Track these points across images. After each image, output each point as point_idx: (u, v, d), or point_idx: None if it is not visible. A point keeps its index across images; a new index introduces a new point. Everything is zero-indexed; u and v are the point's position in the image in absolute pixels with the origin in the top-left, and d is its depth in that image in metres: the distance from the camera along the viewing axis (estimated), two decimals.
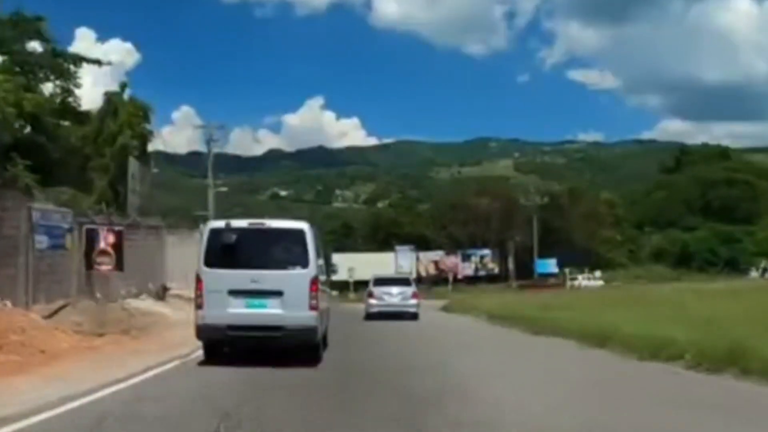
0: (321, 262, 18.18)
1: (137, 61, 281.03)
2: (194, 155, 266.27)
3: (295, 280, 16.01)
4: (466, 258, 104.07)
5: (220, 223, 17.03)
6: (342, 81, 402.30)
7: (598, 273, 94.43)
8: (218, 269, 16.06)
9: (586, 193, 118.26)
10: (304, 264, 16.18)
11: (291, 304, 15.86)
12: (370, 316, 36.21)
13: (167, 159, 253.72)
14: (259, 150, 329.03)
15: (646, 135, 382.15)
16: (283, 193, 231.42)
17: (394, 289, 37.35)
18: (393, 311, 35.51)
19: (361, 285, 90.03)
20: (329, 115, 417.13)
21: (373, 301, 36.93)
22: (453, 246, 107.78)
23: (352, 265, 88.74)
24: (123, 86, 50.43)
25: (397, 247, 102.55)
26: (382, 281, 39.49)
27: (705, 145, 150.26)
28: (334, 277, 70.03)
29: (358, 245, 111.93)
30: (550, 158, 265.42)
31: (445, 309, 48.35)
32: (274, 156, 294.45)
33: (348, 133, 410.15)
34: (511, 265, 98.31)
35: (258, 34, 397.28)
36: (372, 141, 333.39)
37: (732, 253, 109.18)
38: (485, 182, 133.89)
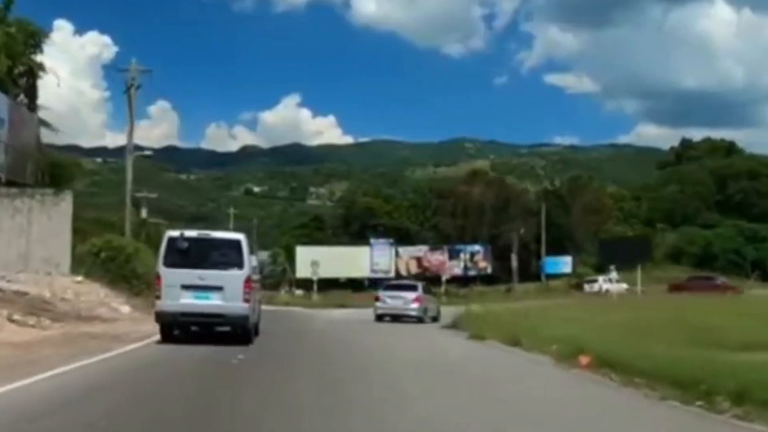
0: (255, 265, 23.24)
1: (114, 54, 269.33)
2: (169, 149, 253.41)
3: (232, 278, 19.26)
4: (454, 255, 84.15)
5: (175, 233, 20.10)
6: (319, 79, 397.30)
7: (614, 274, 75.44)
8: (173, 269, 19.25)
9: (589, 185, 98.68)
10: (240, 266, 19.37)
11: (229, 297, 19.10)
12: (379, 318, 37.06)
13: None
14: (234, 146, 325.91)
15: (622, 139, 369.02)
16: (256, 189, 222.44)
17: (398, 294, 38.39)
18: (395, 314, 36.68)
19: (331, 285, 74.16)
20: (305, 113, 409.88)
21: (378, 303, 37.89)
22: (438, 240, 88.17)
23: (317, 258, 69.50)
24: (8, 3, 37.98)
25: (373, 241, 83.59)
26: (391, 287, 41.57)
27: (708, 139, 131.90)
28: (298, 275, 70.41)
29: (328, 238, 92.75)
30: (527, 160, 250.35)
31: (456, 326, 28.95)
32: (249, 152, 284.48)
33: (324, 131, 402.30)
34: (514, 263, 78.86)
35: (236, 29, 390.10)
36: (348, 140, 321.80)
37: (759, 254, 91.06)
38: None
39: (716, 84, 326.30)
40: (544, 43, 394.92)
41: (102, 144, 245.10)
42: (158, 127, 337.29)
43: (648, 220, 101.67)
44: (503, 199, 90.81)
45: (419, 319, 35.86)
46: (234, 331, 19.69)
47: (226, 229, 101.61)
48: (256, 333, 21.18)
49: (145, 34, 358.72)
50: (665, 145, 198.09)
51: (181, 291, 19.00)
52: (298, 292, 72.81)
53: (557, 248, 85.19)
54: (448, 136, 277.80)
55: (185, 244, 19.34)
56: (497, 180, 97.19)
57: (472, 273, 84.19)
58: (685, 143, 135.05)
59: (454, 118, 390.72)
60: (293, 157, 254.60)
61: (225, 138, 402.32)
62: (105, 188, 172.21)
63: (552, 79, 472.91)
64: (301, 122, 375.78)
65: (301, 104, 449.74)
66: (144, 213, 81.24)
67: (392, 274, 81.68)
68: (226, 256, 19.57)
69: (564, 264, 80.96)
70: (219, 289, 19.05)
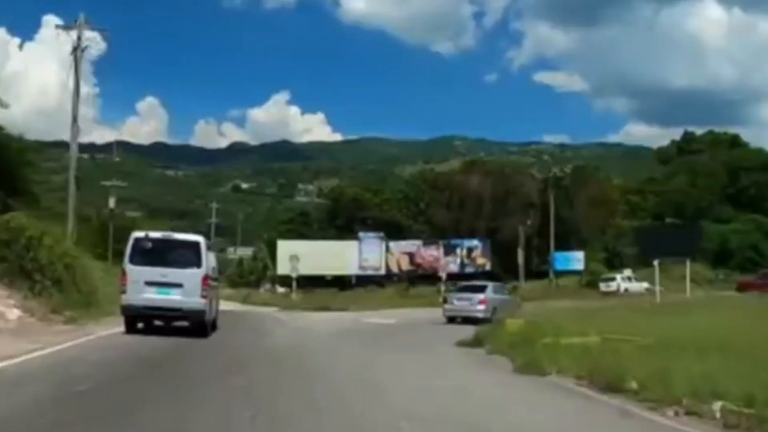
0: (213, 264, 24.00)
1: (103, 49, 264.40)
2: (158, 145, 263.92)
3: (191, 276, 20.83)
4: (449, 250, 74.93)
5: (141, 234, 21.83)
6: (308, 76, 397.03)
7: (628, 272, 67.09)
8: (138, 266, 20.73)
9: (594, 176, 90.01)
10: (198, 265, 21.06)
11: (188, 293, 20.61)
12: (450, 320, 34.78)
13: (130, 149, 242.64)
14: (223, 143, 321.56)
15: (611, 138, 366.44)
16: (244, 185, 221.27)
17: (466, 295, 37.12)
18: (464, 316, 34.41)
19: (316, 283, 68.58)
20: (294, 110, 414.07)
21: (447, 306, 36.85)
22: (433, 235, 79.57)
23: (298, 252, 61.29)
24: None
25: (362, 235, 74.88)
26: (462, 288, 40.04)
27: (710, 132, 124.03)
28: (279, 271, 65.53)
29: (313, 232, 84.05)
30: (516, 159, 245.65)
31: (483, 345, 20.41)
32: (237, 149, 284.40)
33: (313, 128, 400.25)
34: (520, 258, 70.39)
35: (226, 26, 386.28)
36: (337, 137, 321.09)
37: None
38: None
39: (706, 83, 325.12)
40: (534, 41, 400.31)
41: (90, 140, 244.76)
42: (147, 124, 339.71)
43: (657, 214, 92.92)
44: (503, 190, 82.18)
45: (487, 321, 32.86)
46: (192, 325, 21.30)
47: (209, 224, 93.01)
48: (214, 328, 22.88)
49: (135, 30, 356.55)
50: (655, 144, 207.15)
51: (145, 287, 20.53)
52: (281, 290, 63.96)
53: (561, 243, 76.75)
54: (437, 134, 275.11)
55: (149, 244, 21.22)
56: (496, 170, 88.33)
57: (469, 270, 75.34)
58: (687, 136, 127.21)
59: (443, 116, 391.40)
60: (282, 154, 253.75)
61: (214, 135, 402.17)
62: (89, 183, 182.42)
63: (542, 77, 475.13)
64: (290, 119, 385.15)
65: (291, 101, 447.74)
66: (112, 203, 72.06)
67: (383, 271, 73.58)
68: (186, 256, 21.25)
69: (576, 260, 72.56)
70: (179, 285, 20.66)
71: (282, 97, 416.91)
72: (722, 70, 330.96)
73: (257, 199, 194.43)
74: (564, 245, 77.65)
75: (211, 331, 21.83)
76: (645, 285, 64.69)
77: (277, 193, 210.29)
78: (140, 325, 21.37)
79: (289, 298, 56.40)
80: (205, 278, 21.10)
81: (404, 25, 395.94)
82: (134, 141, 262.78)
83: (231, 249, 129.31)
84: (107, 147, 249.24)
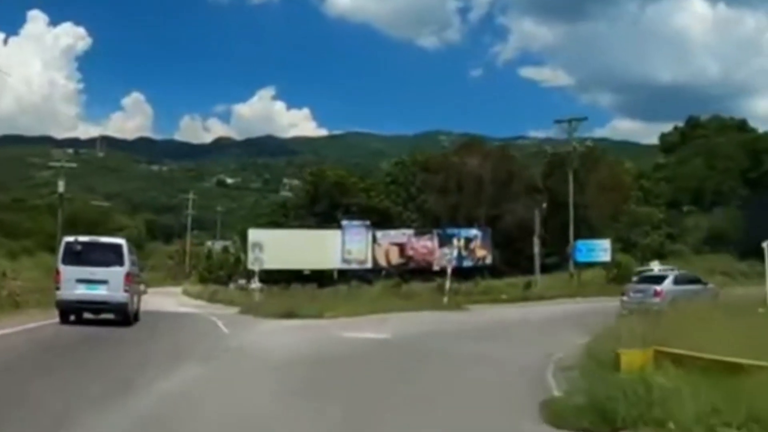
0: (135, 264, 26.71)
1: (89, 45, 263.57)
2: (143, 141, 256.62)
3: (115, 274, 23.74)
4: (445, 240, 63.68)
5: (71, 238, 24.92)
6: (294, 71, 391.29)
7: (656, 264, 56.51)
8: (70, 266, 23.70)
9: (604, 158, 78.90)
10: (121, 264, 24.02)
11: (113, 289, 23.54)
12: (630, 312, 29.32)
13: (116, 144, 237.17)
14: (208, 138, 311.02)
15: (597, 133, 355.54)
16: (229, 180, 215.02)
17: (642, 287, 36.30)
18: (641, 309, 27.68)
19: (294, 277, 59.16)
20: (280, 105, 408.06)
21: (624, 298, 35.32)
22: (426, 223, 68.78)
23: (265, 241, 51.45)
24: None
25: (345, 223, 63.75)
26: (641, 279, 40.20)
27: (717, 117, 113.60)
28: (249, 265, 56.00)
29: (290, 221, 73.25)
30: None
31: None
32: (222, 144, 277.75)
33: (298, 123, 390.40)
34: (536, 248, 59.69)
35: (211, 21, 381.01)
36: (322, 132, 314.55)
37: None
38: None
39: (691, 78, 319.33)
40: (519, 36, 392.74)
41: (75, 135, 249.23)
42: (132, 119, 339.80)
43: (672, 201, 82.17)
44: (505, 171, 71.30)
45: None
46: (116, 316, 24.03)
47: (186, 216, 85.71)
48: (137, 319, 25.55)
49: (119, 25, 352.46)
50: (641, 139, 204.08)
51: (76, 284, 23.52)
52: (256, 285, 52.79)
53: (566, 234, 66.15)
54: (422, 129, 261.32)
55: (79, 247, 24.25)
56: (498, 149, 77.08)
57: (467, 263, 64.45)
58: (692, 121, 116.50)
59: (428, 111, 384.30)
60: (267, 149, 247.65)
61: (199, 130, 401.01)
62: (75, 178, 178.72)
63: (527, 72, 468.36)
64: (275, 114, 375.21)
65: (276, 97, 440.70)
66: (61, 187, 62.87)
67: (369, 265, 62.71)
68: (111, 256, 24.21)
69: (601, 250, 61.03)
70: (105, 282, 23.64)
71: (267, 92, 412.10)
72: (707, 65, 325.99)
73: (242, 194, 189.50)
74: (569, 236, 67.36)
75: (133, 321, 24.50)
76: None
77: (262, 188, 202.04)
78: (72, 317, 24.14)
79: (254, 296, 45.30)
80: (128, 275, 24.09)
81: (389, 19, 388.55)
82: (119, 136, 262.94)
83: (209, 243, 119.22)
84: (91, 142, 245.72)
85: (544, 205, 63.66)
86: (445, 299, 35.65)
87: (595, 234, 65.85)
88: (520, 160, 77.81)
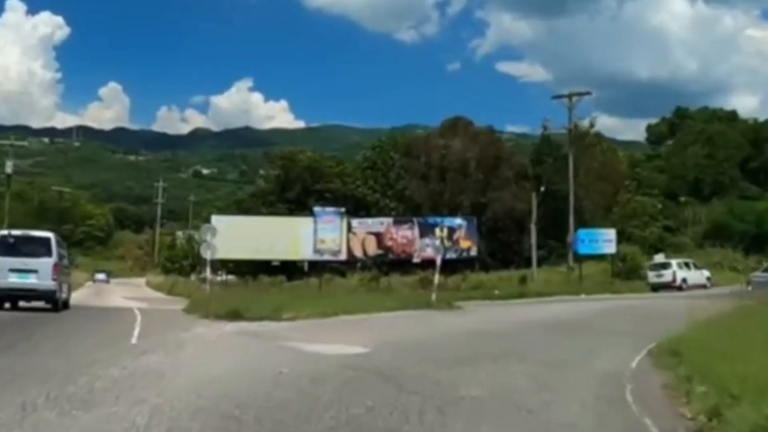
0: (64, 255, 28.60)
1: (67, 35, 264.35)
2: (120, 131, 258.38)
3: (44, 264, 25.74)
4: (426, 230, 57.06)
5: (5, 232, 27.96)
6: (271, 63, 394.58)
7: (660, 256, 50.71)
8: (3, 257, 25.64)
9: (598, 144, 72.72)
10: (50, 255, 26.05)
11: (42, 278, 25.53)
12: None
13: (93, 134, 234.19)
14: (185, 129, 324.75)
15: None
16: (205, 171, 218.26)
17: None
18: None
19: (263, 269, 57.28)
20: (257, 97, 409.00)
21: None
22: (405, 211, 63.09)
23: (228, 228, 46.92)
24: None
25: (317, 210, 56.89)
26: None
27: (705, 108, 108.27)
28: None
29: (257, 207, 67.09)
30: None
31: None
32: (199, 135, 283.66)
33: (276, 115, 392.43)
34: (533, 237, 53.79)
35: (189, 12, 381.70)
36: (299, 124, 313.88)
37: None
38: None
39: (669, 75, 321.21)
40: (498, 31, 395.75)
41: (51, 125, 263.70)
42: (109, 109, 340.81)
43: (669, 191, 76.21)
44: (493, 156, 65.17)
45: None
46: (46, 303, 26.08)
47: (155, 204, 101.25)
48: (66, 306, 27.87)
49: (98, 15, 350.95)
50: (618, 135, 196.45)
51: (9, 273, 25.51)
52: (209, 276, 46.60)
53: (559, 224, 60.20)
54: (399, 122, 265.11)
55: (12, 240, 26.47)
56: (485, 131, 70.69)
57: (451, 255, 58.05)
58: (680, 112, 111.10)
59: (406, 105, 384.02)
60: (244, 141, 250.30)
61: (176, 121, 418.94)
62: (50, 167, 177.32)
63: (505, 67, 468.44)
64: (252, 106, 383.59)
65: (254, 88, 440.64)
66: (9, 168, 57.76)
67: (343, 256, 55.97)
68: (40, 248, 26.26)
69: (605, 240, 54.22)
70: (35, 271, 25.63)
71: (245, 83, 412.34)
72: (686, 62, 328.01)
73: (218, 186, 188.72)
74: (563, 227, 61.50)
75: (62, 308, 26.61)
76: (706, 274, 49.06)
77: (238, 179, 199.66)
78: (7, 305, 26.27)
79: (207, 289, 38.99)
80: (56, 266, 26.15)
81: (367, 12, 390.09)
82: (96, 126, 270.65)
83: (179, 233, 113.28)
84: (68, 132, 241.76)
85: (542, 188, 57.31)
86: (434, 296, 29.22)
87: (587, 226, 59.82)
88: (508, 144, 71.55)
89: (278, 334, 17.89)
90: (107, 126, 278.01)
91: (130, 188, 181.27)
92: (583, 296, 42.19)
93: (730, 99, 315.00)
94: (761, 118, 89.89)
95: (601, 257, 55.24)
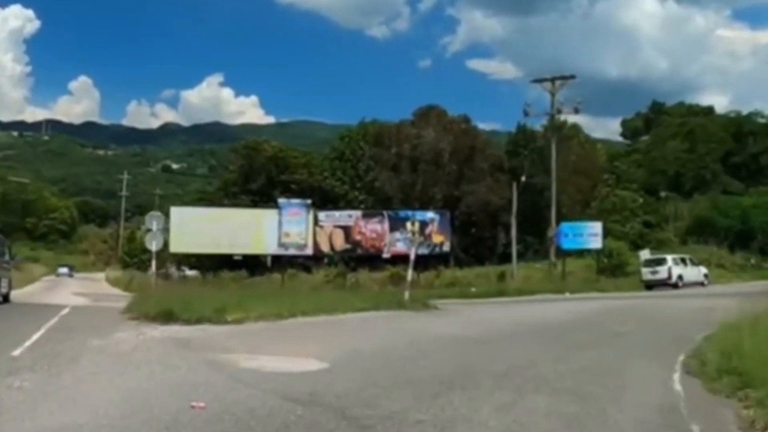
0: (4, 251, 29.42)
1: (37, 28, 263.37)
2: (89, 125, 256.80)
3: None
4: (397, 224, 53.62)
5: None
6: (242, 58, 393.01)
7: (646, 252, 47.69)
8: None
9: (576, 136, 69.62)
10: None
11: None
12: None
13: (62, 128, 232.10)
14: (155, 124, 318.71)
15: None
16: (175, 166, 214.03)
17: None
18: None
19: (226, 263, 53.65)
20: (228, 93, 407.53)
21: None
22: (375, 204, 59.76)
23: (188, 220, 47.15)
24: None
25: (282, 202, 53.49)
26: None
27: (681, 104, 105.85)
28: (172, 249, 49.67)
29: (219, 199, 63.74)
30: None
31: None
32: (169, 130, 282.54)
33: (246, 111, 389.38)
34: (514, 230, 50.56)
35: (161, 6, 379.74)
36: (270, 120, 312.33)
37: None
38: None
39: (640, 74, 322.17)
40: (469, 28, 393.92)
41: (21, 118, 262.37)
42: (79, 103, 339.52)
43: (647, 187, 73.07)
44: (467, 147, 61.94)
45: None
46: None
47: (119, 197, 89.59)
48: (7, 300, 27.84)
49: (69, 8, 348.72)
50: (590, 133, 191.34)
51: None
52: (152, 271, 43.28)
53: (534, 219, 57.24)
54: (370, 118, 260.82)
55: None
56: (460, 120, 67.17)
57: (422, 251, 54.61)
58: (656, 107, 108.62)
59: (376, 101, 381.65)
60: (214, 136, 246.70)
61: (146, 115, 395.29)
62: (19, 161, 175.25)
63: (475, 64, 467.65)
64: (223, 102, 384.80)
65: (224, 83, 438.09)
66: None
67: (310, 251, 52.46)
68: None
69: (590, 234, 50.42)
70: None
71: (215, 78, 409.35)
72: (656, 61, 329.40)
73: (188, 180, 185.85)
74: (540, 222, 58.51)
75: (2, 302, 26.60)
76: (704, 270, 46.14)
77: (208, 174, 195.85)
78: None
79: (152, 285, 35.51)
80: None
81: (339, 8, 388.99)
82: (66, 120, 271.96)
83: (143, 226, 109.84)
84: (37, 126, 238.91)
85: (523, 178, 53.94)
86: (407, 294, 25.77)
87: (565, 221, 56.77)
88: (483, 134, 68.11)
89: (215, 342, 14.43)
90: (77, 120, 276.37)
91: (99, 183, 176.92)
92: (567, 295, 38.87)
93: (701, 98, 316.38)
94: (744, 111, 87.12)
95: (586, 253, 51.97)
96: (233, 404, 7.74)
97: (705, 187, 72.67)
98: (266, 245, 51.71)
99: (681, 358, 11.92)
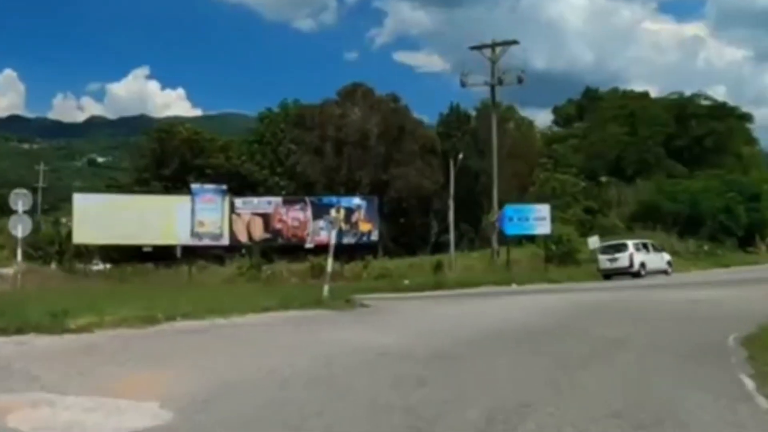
0: None
1: None
2: (14, 118, 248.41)
3: None
4: (320, 211, 48.75)
5: None
6: (168, 51, 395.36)
7: (595, 239, 43.45)
8: None
9: (510, 118, 65.33)
10: None
11: None
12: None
13: None
14: (80, 117, 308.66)
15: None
16: (100, 159, 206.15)
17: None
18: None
19: (133, 255, 48.77)
20: (154, 85, 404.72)
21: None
22: (297, 190, 54.85)
23: (92, 207, 43.86)
24: None
25: (195, 187, 48.45)
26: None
27: (615, 90, 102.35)
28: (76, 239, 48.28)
29: (129, 185, 58.79)
30: None
31: None
32: (95, 123, 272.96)
33: (172, 103, 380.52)
34: (451, 213, 46.15)
35: None
36: (197, 112, 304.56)
37: (752, 215, 63.69)
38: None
39: (567, 66, 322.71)
40: (396, 20, 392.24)
41: None
42: (4, 96, 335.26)
43: (587, 171, 69.14)
44: (396, 127, 57.47)
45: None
46: None
47: (35, 188, 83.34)
48: None
49: None
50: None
51: None
52: (17, 265, 38.17)
53: (467, 206, 53.05)
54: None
55: None
56: (388, 99, 62.28)
57: (348, 239, 49.84)
58: (590, 93, 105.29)
59: (303, 93, 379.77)
60: (140, 129, 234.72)
61: (72, 108, 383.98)
62: None
63: (402, 57, 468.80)
64: (149, 94, 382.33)
65: (150, 76, 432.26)
66: None
67: (226, 241, 47.24)
68: None
69: (538, 219, 45.08)
70: None
71: (141, 71, 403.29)
72: (582, 53, 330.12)
73: (113, 174, 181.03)
74: (475, 208, 54.40)
75: None
76: (667, 257, 42.25)
77: None
78: None
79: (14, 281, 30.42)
80: None
81: (266, 0, 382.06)
82: None
83: (62, 220, 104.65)
84: None
85: (461, 155, 49.26)
86: (326, 289, 20.92)
87: (499, 206, 52.47)
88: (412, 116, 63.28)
89: (18, 368, 9.28)
90: (1, 113, 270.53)
91: (22, 176, 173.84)
92: (514, 286, 34.43)
93: (629, 89, 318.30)
94: (687, 93, 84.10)
95: (529, 240, 47.58)
96: None
97: (648, 172, 69.11)
98: (178, 235, 46.59)
99: (747, 381, 7.45)
